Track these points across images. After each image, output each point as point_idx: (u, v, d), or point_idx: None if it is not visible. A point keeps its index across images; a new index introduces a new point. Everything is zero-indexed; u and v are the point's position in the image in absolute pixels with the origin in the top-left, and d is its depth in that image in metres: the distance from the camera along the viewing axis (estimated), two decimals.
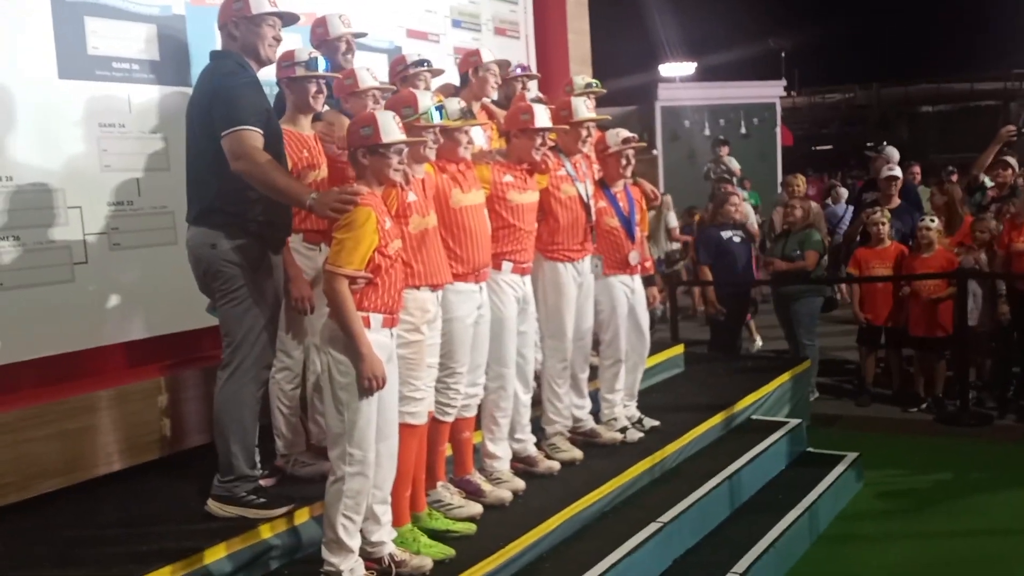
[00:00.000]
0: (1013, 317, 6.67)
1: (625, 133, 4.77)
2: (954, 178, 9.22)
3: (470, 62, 4.60)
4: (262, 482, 3.68)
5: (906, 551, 4.67)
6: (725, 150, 11.55)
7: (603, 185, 4.79)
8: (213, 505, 3.52)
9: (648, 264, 5.13)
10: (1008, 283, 6.68)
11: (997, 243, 6.81)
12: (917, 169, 9.70)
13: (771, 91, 15.41)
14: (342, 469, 3.14)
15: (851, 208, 9.08)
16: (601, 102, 4.87)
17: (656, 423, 5.04)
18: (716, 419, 5.31)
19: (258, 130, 3.38)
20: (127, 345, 4.29)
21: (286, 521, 3.51)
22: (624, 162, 4.74)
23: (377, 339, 3.15)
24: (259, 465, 3.65)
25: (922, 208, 7.71)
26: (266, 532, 3.44)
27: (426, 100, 3.52)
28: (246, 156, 3.33)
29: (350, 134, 3.30)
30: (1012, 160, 7.87)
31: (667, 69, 25.75)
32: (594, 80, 4.99)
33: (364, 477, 3.15)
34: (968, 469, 5.79)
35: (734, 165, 11.16)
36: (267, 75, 3.88)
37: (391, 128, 3.22)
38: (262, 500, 3.52)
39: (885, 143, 8.58)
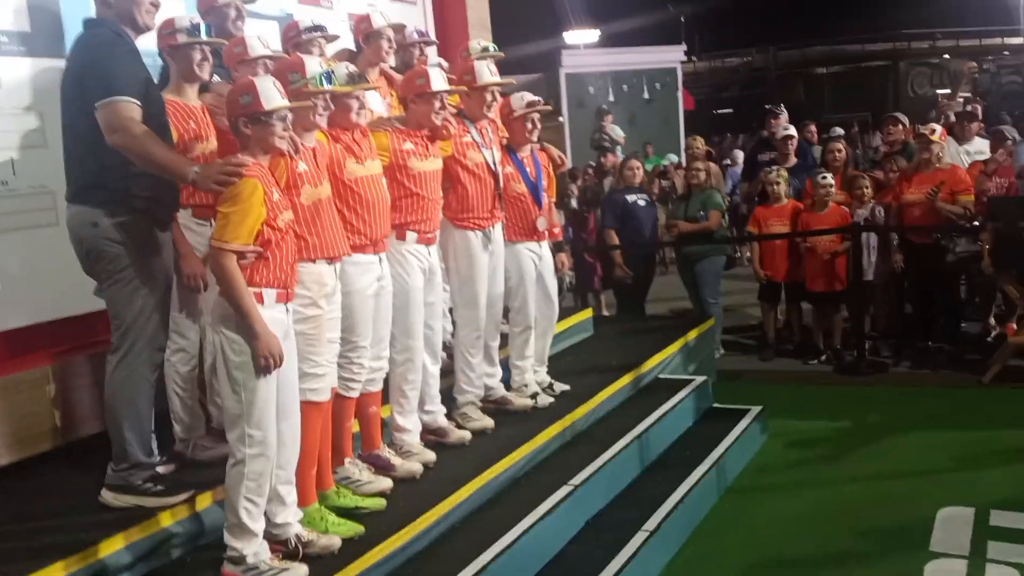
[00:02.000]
0: (905, 267, 6.92)
1: (530, 96, 4.72)
2: (837, 134, 9.33)
3: (361, 28, 4.47)
4: (161, 469, 3.55)
5: (813, 498, 4.82)
6: (609, 119, 11.66)
7: (509, 150, 4.74)
8: (108, 495, 3.38)
9: (556, 230, 5.12)
10: (900, 235, 6.92)
11: (890, 196, 7.02)
12: (814, 128, 9.95)
13: (672, 56, 15.54)
14: (242, 451, 3.04)
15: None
16: (506, 70, 4.81)
17: (566, 387, 5.06)
18: (624, 380, 5.37)
19: (135, 101, 3.21)
20: (10, 334, 4.05)
21: (187, 507, 3.40)
22: (530, 126, 4.70)
23: (271, 315, 3.05)
24: (156, 451, 3.52)
25: (816, 166, 7.90)
26: (166, 520, 3.33)
27: (313, 65, 3.40)
28: (122, 128, 3.17)
29: (229, 103, 3.16)
30: (902, 117, 8.13)
31: (571, 36, 25.76)
32: (491, 44, 4.91)
33: (266, 458, 3.06)
34: (867, 415, 6.02)
35: (617, 133, 11.27)
36: (150, 46, 3.71)
37: (272, 94, 3.10)
38: (160, 487, 3.39)
39: (782, 105, 8.70)
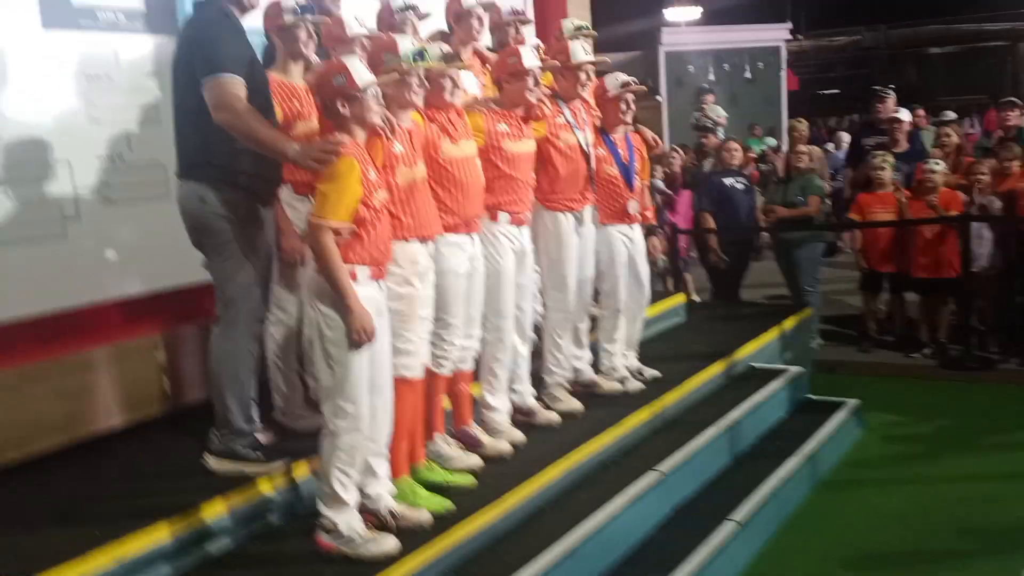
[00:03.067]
0: (1018, 260, 6.60)
1: (624, 77, 4.67)
2: (950, 117, 8.89)
3: (452, 9, 4.48)
4: (260, 437, 3.67)
5: (910, 495, 4.68)
6: (710, 98, 11.30)
7: (602, 132, 4.70)
8: (210, 460, 3.52)
9: (648, 214, 5.06)
10: (1013, 226, 6.60)
11: (1008, 184, 6.69)
12: (922, 112, 9.53)
13: (776, 34, 15.12)
14: (335, 423, 3.12)
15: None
16: (603, 48, 4.77)
17: (657, 373, 5.01)
18: (716, 368, 5.29)
19: (239, 79, 3.30)
20: (124, 302, 4.25)
21: (284, 475, 3.51)
22: (624, 107, 4.64)
23: (365, 292, 3.10)
24: (257, 420, 3.64)
25: (926, 152, 7.58)
26: (265, 486, 3.44)
27: (406, 44, 3.42)
28: (226, 106, 3.26)
29: (323, 86, 3.22)
30: (1020, 101, 7.72)
31: (672, 14, 25.29)
32: (584, 23, 4.86)
33: (357, 431, 3.13)
34: (970, 413, 5.79)
35: (719, 114, 10.98)
36: (256, 25, 3.81)
37: (362, 71, 3.15)
38: (259, 454, 3.52)
39: (890, 87, 8.33)
